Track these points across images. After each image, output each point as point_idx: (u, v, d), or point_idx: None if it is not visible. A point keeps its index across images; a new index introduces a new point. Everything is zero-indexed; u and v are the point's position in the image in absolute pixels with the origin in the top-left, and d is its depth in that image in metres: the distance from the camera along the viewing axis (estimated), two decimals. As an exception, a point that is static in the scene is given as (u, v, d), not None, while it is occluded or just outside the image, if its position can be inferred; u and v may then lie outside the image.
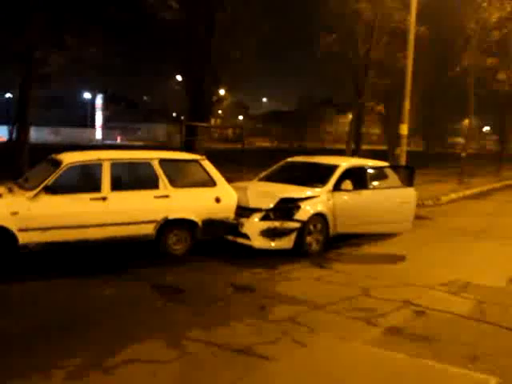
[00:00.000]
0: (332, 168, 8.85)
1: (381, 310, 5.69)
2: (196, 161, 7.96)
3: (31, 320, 5.08)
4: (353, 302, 5.99)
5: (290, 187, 8.55)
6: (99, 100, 56.55)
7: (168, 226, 7.36)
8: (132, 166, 7.48)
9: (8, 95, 31.37)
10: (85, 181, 7.07)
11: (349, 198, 8.52)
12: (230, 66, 15.54)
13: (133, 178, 7.41)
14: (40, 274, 6.47)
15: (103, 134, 55.77)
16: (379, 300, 6.07)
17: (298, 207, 7.89)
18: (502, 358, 4.63)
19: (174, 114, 49.72)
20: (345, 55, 17.23)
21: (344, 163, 9.07)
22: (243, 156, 13.50)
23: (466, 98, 20.84)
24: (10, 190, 6.78)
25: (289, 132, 64.18)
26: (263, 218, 7.76)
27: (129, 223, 7.06)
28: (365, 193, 8.72)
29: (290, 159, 10.08)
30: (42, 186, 6.60)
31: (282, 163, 10.02)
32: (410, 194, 9.26)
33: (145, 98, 63.43)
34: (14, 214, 6.35)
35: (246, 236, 7.79)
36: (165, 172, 7.45)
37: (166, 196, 7.36)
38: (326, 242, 8.29)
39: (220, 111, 51.86)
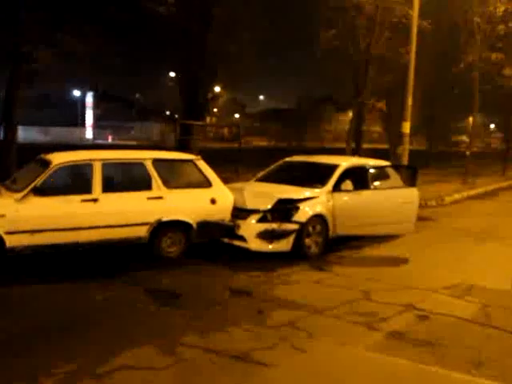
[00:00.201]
0: (332, 168, 8.65)
1: (382, 314, 5.54)
2: (191, 161, 7.77)
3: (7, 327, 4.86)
4: (354, 305, 5.84)
5: (289, 188, 8.35)
6: (89, 98, 54.22)
7: (162, 228, 7.17)
8: (124, 166, 7.28)
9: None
10: (75, 182, 6.88)
11: (349, 199, 8.33)
12: (229, 66, 15.39)
13: (125, 179, 7.21)
14: (26, 277, 6.26)
15: (94, 134, 54.03)
16: (381, 304, 5.91)
17: (297, 208, 7.69)
18: (507, 364, 4.49)
19: (168, 113, 48.98)
20: (345, 51, 17.01)
21: (344, 163, 8.88)
22: (240, 156, 13.32)
23: (470, 95, 20.56)
24: (-3, 192, 6.59)
25: (287, 130, 63.82)
26: (260, 220, 7.56)
27: (121, 225, 6.86)
28: (365, 193, 8.53)
29: (288, 159, 9.87)
30: (30, 187, 6.40)
31: (280, 163, 9.81)
32: (412, 194, 9.07)
33: (137, 95, 62.51)
34: (1, 216, 6.16)
35: (242, 238, 7.59)
36: (158, 172, 7.25)
37: (160, 197, 7.17)
38: (326, 245, 8.09)
39: (215, 109, 51.34)
